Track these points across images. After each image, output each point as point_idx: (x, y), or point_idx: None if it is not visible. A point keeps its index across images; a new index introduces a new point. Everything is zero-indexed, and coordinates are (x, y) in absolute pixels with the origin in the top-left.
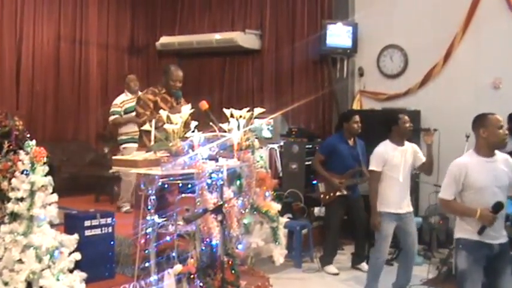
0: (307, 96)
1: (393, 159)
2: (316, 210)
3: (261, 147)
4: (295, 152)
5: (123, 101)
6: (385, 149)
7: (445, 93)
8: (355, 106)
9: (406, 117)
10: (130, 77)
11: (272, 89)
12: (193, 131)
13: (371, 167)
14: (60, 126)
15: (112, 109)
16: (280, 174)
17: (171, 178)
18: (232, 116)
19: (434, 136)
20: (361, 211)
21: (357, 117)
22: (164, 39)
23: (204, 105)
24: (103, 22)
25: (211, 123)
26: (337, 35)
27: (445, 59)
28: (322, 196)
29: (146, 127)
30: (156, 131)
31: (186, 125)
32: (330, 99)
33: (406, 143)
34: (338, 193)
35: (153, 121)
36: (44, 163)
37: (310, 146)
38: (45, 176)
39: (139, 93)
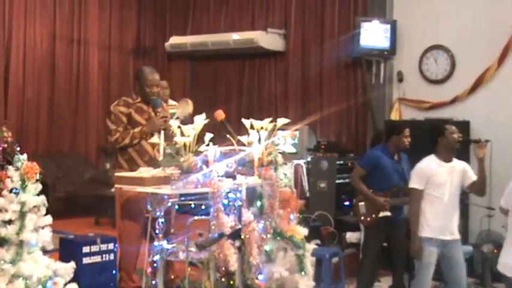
0: (338, 104)
1: (437, 176)
2: (349, 235)
3: (285, 163)
4: (324, 168)
5: None
6: (428, 165)
7: (498, 101)
8: (394, 116)
9: (454, 128)
10: (160, 84)
11: (298, 96)
12: (207, 145)
13: (412, 185)
14: (55, 138)
15: None
16: (307, 194)
17: (182, 198)
18: (252, 127)
19: (486, 149)
20: (402, 237)
21: (408, 131)
22: (174, 40)
23: (220, 115)
24: (105, 19)
25: (228, 136)
26: (373, 34)
27: (499, 62)
28: (363, 218)
29: (154, 139)
30: (166, 144)
31: (200, 137)
32: (364, 108)
33: (455, 159)
34: (381, 214)
35: (162, 133)
36: (37, 180)
37: (342, 162)
38: (38, 195)
39: (170, 102)
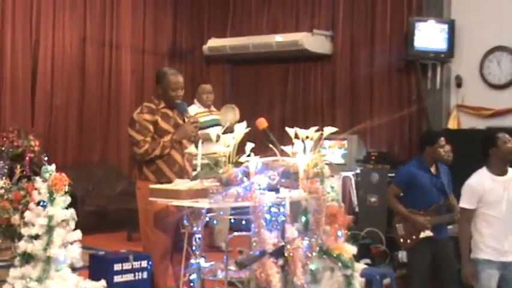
0: (390, 112)
1: (491, 194)
2: (402, 254)
3: (332, 176)
4: (374, 181)
5: (196, 113)
6: (480, 181)
7: None
8: (452, 125)
9: (507, 136)
10: (204, 88)
11: (346, 103)
12: (248, 155)
13: (462, 204)
14: (85, 148)
15: None
16: (356, 209)
17: (221, 212)
18: (296, 136)
19: None
20: (451, 258)
21: (443, 140)
22: (213, 42)
23: (262, 123)
24: (138, 20)
25: (270, 146)
26: (429, 35)
27: None
28: (402, 240)
29: (191, 149)
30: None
31: (240, 147)
32: (418, 116)
33: (511, 170)
34: (422, 235)
35: (199, 142)
36: (65, 193)
37: (394, 175)
38: (66, 208)
39: (213, 108)
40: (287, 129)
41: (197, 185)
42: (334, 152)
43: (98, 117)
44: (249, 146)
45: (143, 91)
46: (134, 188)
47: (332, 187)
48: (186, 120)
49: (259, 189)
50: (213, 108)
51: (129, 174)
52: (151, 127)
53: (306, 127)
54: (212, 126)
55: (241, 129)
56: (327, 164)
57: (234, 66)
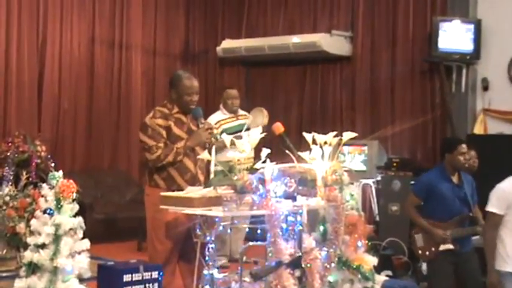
0: (412, 116)
1: None
2: (425, 266)
3: (352, 183)
4: (396, 189)
5: (220, 120)
6: (511, 186)
7: None
8: (477, 130)
9: None
10: (229, 93)
11: (366, 107)
12: (264, 161)
13: (490, 208)
14: (94, 153)
15: None
16: (377, 218)
17: (236, 221)
18: (314, 142)
19: None
20: (476, 271)
21: (464, 147)
22: (227, 43)
23: (278, 128)
24: (149, 21)
25: (287, 152)
26: (453, 35)
27: None
28: (420, 252)
29: (205, 155)
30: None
31: (255, 153)
32: (442, 120)
33: None
34: (442, 247)
35: (213, 148)
36: (73, 200)
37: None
38: (74, 216)
39: (240, 112)
40: (304, 134)
41: (210, 193)
42: (354, 158)
43: (107, 121)
44: (265, 151)
45: (154, 94)
46: (144, 196)
47: (351, 195)
48: (201, 126)
49: (275, 197)
50: (240, 112)
51: (139, 181)
52: (164, 132)
53: (324, 132)
54: (238, 131)
55: (257, 134)
56: (346, 170)
57: (249, 69)
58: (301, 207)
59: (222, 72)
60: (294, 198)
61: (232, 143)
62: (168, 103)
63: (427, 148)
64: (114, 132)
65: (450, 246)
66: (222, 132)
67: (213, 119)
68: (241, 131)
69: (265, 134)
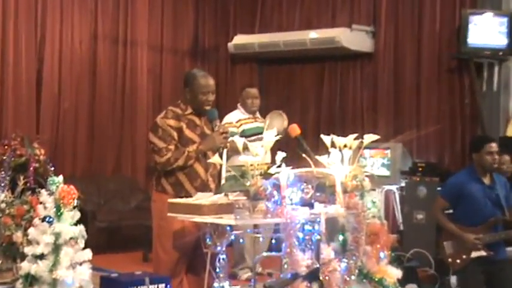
0: (440, 117)
1: None
2: (454, 279)
3: (374, 189)
4: (422, 196)
5: (240, 119)
6: None
7: None
8: (511, 132)
9: None
10: (249, 92)
11: (389, 107)
12: (279, 166)
13: None
14: (97, 157)
15: None
16: (401, 227)
17: (249, 230)
18: (333, 145)
19: None
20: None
21: (492, 146)
22: (240, 39)
23: (294, 129)
24: (156, 16)
25: (304, 155)
26: (485, 30)
27: None
28: (450, 260)
29: (215, 159)
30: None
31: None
32: (472, 121)
33: None
34: (474, 254)
35: (224, 152)
36: (74, 207)
37: None
38: (75, 224)
39: (249, 114)
40: (322, 136)
41: (221, 199)
42: (376, 162)
43: (111, 123)
44: (280, 155)
45: (161, 93)
46: (150, 202)
47: (373, 202)
48: (216, 129)
49: (291, 204)
50: (257, 114)
51: (145, 187)
52: (175, 134)
53: (344, 134)
54: (256, 134)
55: (271, 136)
56: (367, 176)
57: (262, 66)
58: (319, 215)
59: (233, 71)
60: (311, 206)
61: (245, 147)
62: (181, 103)
63: (455, 152)
64: (118, 134)
65: (483, 253)
66: (242, 133)
67: (232, 117)
68: (259, 133)
69: (280, 136)
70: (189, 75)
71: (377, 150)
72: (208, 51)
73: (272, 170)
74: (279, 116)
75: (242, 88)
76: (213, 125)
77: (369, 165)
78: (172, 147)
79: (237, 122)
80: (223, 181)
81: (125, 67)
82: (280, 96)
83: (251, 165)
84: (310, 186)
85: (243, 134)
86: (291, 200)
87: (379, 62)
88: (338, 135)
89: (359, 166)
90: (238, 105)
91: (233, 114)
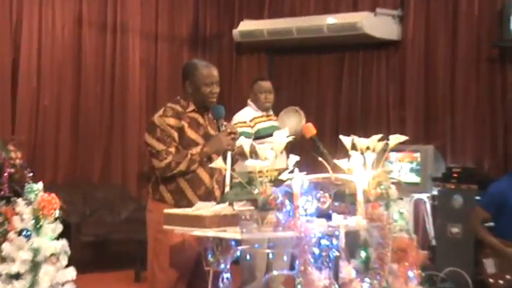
0: (478, 115)
1: None
2: None
3: (401, 198)
4: (457, 206)
5: (254, 117)
6: None
7: None
8: None
9: None
10: (262, 85)
11: (419, 103)
12: (291, 171)
13: None
14: (82, 161)
15: (238, 128)
16: (433, 243)
17: (256, 245)
18: (354, 147)
19: None
20: None
21: None
22: (246, 25)
23: (309, 129)
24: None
25: (320, 159)
26: None
27: None
28: (491, 281)
29: (218, 163)
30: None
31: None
32: None
33: None
34: None
35: (228, 155)
36: (56, 219)
37: None
38: (57, 239)
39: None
40: (341, 137)
41: (225, 210)
42: (404, 167)
43: (98, 121)
44: (293, 159)
45: (156, 88)
46: (144, 213)
47: (401, 213)
48: (222, 128)
49: (306, 215)
50: (270, 112)
51: (137, 196)
52: (175, 135)
53: (367, 135)
54: (272, 135)
55: (282, 137)
56: (393, 183)
57: (272, 57)
58: (337, 228)
59: (239, 62)
60: (328, 217)
61: (253, 150)
62: (181, 99)
63: (496, 155)
64: (107, 135)
65: None
66: (257, 133)
67: (245, 115)
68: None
69: (293, 137)
70: (189, 66)
71: (405, 153)
72: (211, 40)
73: (283, 176)
74: (295, 113)
75: (253, 81)
76: (219, 123)
77: (395, 171)
78: (172, 149)
79: (251, 120)
80: (227, 189)
81: (115, 57)
82: (293, 92)
83: (259, 171)
84: (327, 194)
85: (258, 135)
86: (306, 210)
87: (408, 52)
88: (360, 136)
89: (384, 171)
90: (249, 101)
91: (245, 112)
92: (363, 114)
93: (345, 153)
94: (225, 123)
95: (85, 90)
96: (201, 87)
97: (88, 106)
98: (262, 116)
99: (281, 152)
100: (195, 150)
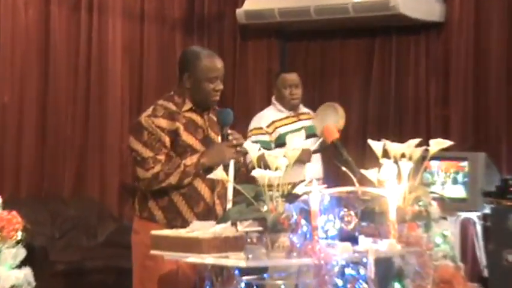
0: None
1: None
2: None
3: (445, 218)
4: None
5: (274, 121)
6: None
7: None
8: None
9: None
10: (287, 79)
11: (467, 99)
12: (308, 184)
13: None
14: (50, 172)
15: (252, 136)
16: (485, 273)
17: (265, 274)
18: (386, 154)
19: None
20: None
21: None
22: (253, 4)
23: (330, 132)
24: None
25: (343, 168)
26: None
27: None
28: None
29: (218, 173)
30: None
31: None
32: None
33: None
34: None
35: (231, 163)
36: (18, 242)
37: None
38: (19, 267)
39: (302, 109)
40: (370, 142)
41: (227, 231)
42: (448, 179)
43: (70, 122)
44: (310, 168)
45: (142, 81)
46: (127, 235)
47: (444, 236)
48: (230, 137)
49: (326, 238)
50: (303, 109)
51: (118, 214)
52: (167, 139)
53: (401, 139)
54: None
55: (297, 142)
56: (435, 198)
57: (285, 43)
58: (365, 255)
59: (244, 48)
60: (354, 241)
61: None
62: (176, 95)
63: None
64: (81, 139)
65: None
66: (279, 140)
67: (262, 119)
68: (308, 136)
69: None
70: (190, 55)
71: (449, 162)
72: (209, 21)
73: (298, 190)
74: (332, 111)
75: (276, 75)
76: (224, 132)
77: (437, 184)
78: (162, 157)
79: (269, 125)
80: (229, 205)
81: (91, 43)
82: (311, 86)
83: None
84: (352, 212)
85: (281, 141)
86: (326, 232)
87: (453, 36)
88: (393, 140)
89: (423, 184)
90: (273, 99)
91: (264, 115)
92: (396, 113)
93: (374, 162)
94: (230, 131)
95: (54, 83)
96: (203, 83)
97: (58, 103)
98: (287, 117)
99: (307, 161)
100: (190, 160)
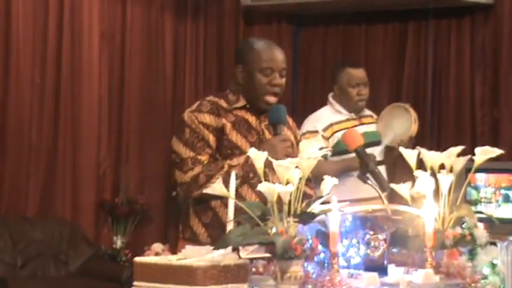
0: None
1: None
2: None
3: (494, 243)
4: None
5: (332, 123)
6: None
7: None
8: None
9: None
10: (353, 75)
11: None
12: (327, 201)
13: None
14: (12, 186)
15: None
16: None
17: None
18: (422, 164)
19: None
20: None
21: None
22: None
23: (354, 138)
24: None
25: (369, 182)
26: None
27: None
28: None
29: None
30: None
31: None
32: None
33: None
34: None
35: (233, 174)
36: None
37: None
38: None
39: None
40: (402, 150)
41: (227, 258)
42: (498, 196)
43: (36, 125)
44: (329, 181)
45: (123, 74)
46: (104, 263)
47: (493, 265)
48: (278, 134)
49: (348, 267)
50: (367, 112)
51: (95, 237)
52: (211, 137)
53: (440, 146)
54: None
55: (313, 149)
56: (481, 219)
57: (299, 28)
58: (396, 287)
59: (248, 34)
60: (383, 271)
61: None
62: (231, 93)
63: None
64: (49, 147)
65: None
66: (337, 147)
67: (317, 121)
68: (370, 144)
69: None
70: (245, 46)
71: (499, 175)
72: (206, 2)
73: (315, 208)
74: (403, 112)
75: (337, 67)
76: (278, 129)
77: (484, 202)
78: (204, 157)
79: (325, 129)
80: (229, 226)
81: (61, 28)
82: (329, 79)
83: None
84: (380, 236)
85: (340, 149)
86: (348, 260)
87: (504, 20)
88: (430, 148)
89: (467, 202)
90: (330, 97)
91: (321, 116)
92: (434, 115)
93: (407, 174)
94: (283, 130)
95: (16, 78)
96: (255, 75)
97: (21, 101)
98: (348, 120)
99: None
100: (237, 160)
